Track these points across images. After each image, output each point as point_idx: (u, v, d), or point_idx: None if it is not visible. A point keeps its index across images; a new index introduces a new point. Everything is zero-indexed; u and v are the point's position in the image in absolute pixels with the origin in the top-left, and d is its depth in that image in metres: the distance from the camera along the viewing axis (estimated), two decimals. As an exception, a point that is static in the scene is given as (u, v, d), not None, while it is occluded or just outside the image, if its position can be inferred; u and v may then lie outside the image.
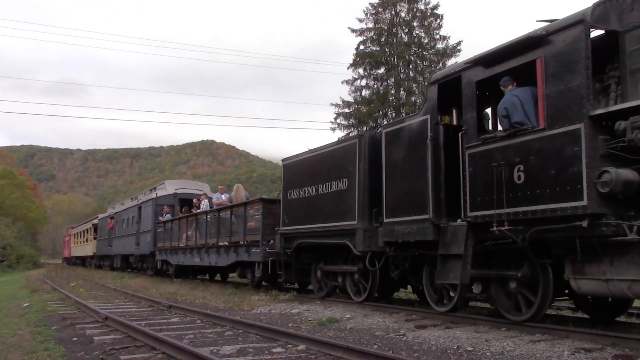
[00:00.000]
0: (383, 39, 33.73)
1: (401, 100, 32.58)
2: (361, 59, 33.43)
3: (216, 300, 11.55)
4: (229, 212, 14.51)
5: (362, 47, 33.93)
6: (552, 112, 6.13)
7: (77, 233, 42.89)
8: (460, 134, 7.37)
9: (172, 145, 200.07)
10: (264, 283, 13.56)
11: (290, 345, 6.06)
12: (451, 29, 63.52)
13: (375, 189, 8.97)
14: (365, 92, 33.35)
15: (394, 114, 31.81)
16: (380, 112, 32.37)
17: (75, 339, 6.91)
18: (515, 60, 6.69)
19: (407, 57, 32.92)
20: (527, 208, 6.29)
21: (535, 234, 6.28)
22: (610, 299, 7.15)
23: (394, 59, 33.47)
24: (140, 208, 23.70)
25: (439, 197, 7.63)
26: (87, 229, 37.81)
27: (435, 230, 7.60)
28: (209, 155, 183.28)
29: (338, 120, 32.77)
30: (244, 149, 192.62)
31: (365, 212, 9.12)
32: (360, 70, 33.51)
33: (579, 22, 5.98)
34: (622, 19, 6.10)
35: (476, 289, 7.47)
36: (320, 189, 10.26)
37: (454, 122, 8.05)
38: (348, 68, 33.98)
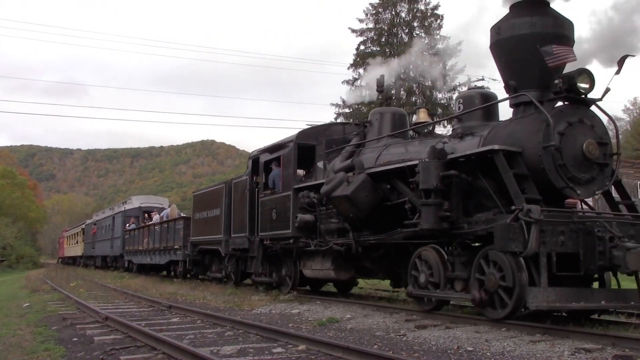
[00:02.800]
0: (383, 39, 33.73)
1: (402, 100, 32.56)
2: (361, 59, 33.42)
3: (216, 300, 11.58)
4: (167, 225, 19.69)
5: (362, 47, 33.93)
6: (284, 183, 11.48)
7: (69, 236, 46.63)
8: (257, 189, 12.75)
9: (172, 145, 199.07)
10: (188, 275, 18.57)
11: (291, 346, 6.06)
12: (452, 28, 63.36)
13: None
14: (365, 92, 33.29)
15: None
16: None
17: (75, 339, 6.90)
18: (277, 153, 11.96)
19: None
20: (276, 232, 11.54)
21: (283, 246, 11.35)
22: (340, 282, 12.04)
23: (394, 59, 33.44)
24: (114, 218, 28.65)
25: (252, 223, 12.68)
26: (77, 232, 41.94)
27: (248, 242, 12.75)
28: (209, 155, 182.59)
29: (339, 121, 32.78)
30: (244, 149, 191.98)
31: (227, 230, 14.03)
32: (361, 71, 33.48)
33: (291, 141, 11.50)
34: (317, 138, 11.35)
35: (274, 276, 12.36)
36: (209, 214, 15.52)
37: (263, 181, 12.69)
38: (348, 68, 34.00)
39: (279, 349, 5.92)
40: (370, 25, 34.04)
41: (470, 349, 5.73)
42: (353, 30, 34.02)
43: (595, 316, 7.37)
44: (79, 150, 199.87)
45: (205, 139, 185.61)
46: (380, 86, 10.66)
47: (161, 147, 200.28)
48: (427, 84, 32.57)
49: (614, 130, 8.52)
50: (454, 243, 7.55)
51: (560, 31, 7.25)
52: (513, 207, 6.47)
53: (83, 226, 38.96)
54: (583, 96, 7.11)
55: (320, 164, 10.87)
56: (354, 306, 9.35)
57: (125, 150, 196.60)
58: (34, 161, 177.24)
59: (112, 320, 7.96)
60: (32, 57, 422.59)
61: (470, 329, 6.68)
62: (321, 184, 9.89)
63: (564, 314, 7.47)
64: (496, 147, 6.95)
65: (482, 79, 8.44)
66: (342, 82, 33.71)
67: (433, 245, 7.76)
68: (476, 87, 8.47)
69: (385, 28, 33.87)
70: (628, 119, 57.76)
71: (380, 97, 10.84)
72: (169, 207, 22.11)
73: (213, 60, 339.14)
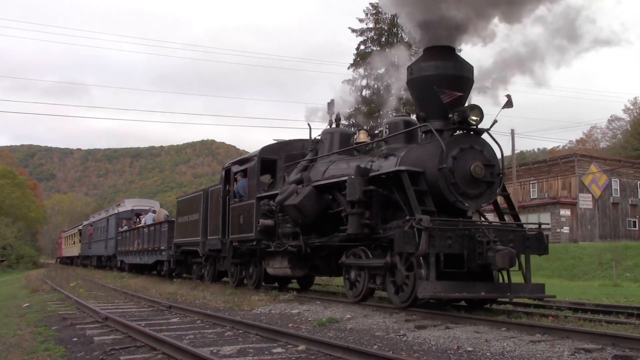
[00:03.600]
0: (383, 39, 33.84)
1: (402, 100, 32.48)
2: (362, 58, 33.53)
3: (216, 300, 11.67)
4: (154, 228, 21.43)
5: (362, 47, 34.03)
6: (249, 192, 13.24)
7: (67, 236, 49.13)
8: (228, 196, 14.46)
9: (172, 145, 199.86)
10: (173, 274, 20.28)
11: (291, 346, 6.14)
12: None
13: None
14: (365, 92, 33.36)
15: (394, 114, 31.81)
16: (381, 112, 32.38)
17: (75, 339, 7.01)
18: (245, 165, 13.87)
19: (407, 57, 32.87)
20: (242, 235, 13.19)
21: (248, 247, 13.06)
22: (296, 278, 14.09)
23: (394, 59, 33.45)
24: (108, 220, 30.62)
25: (224, 227, 14.38)
26: (74, 233, 44.45)
27: (221, 243, 14.48)
28: (209, 155, 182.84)
29: (342, 121, 32.70)
30: (244, 149, 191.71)
31: (204, 233, 15.85)
32: (361, 70, 33.66)
33: (256, 155, 13.25)
34: (279, 153, 13.07)
35: (242, 273, 14.19)
36: (189, 218, 17.29)
37: (233, 189, 14.32)
38: (349, 68, 34.41)
39: (279, 349, 5.98)
40: (371, 25, 34.39)
41: (470, 349, 5.80)
42: (353, 30, 34.45)
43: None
44: (79, 150, 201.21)
45: (205, 138, 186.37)
46: (331, 109, 12.66)
47: (161, 147, 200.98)
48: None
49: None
50: (372, 245, 9.22)
51: (460, 73, 8.86)
52: (407, 217, 8.18)
53: (80, 227, 41.27)
54: (474, 127, 8.72)
55: (280, 176, 12.70)
56: (353, 306, 9.45)
57: (125, 150, 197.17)
58: (34, 161, 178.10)
59: (112, 321, 8.07)
60: (34, 58, 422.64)
61: (470, 329, 6.77)
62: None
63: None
64: (402, 168, 8.68)
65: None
66: (343, 82, 33.87)
67: (362, 247, 9.45)
68: (401, 115, 10.73)
69: (385, 28, 34.16)
70: (628, 118, 57.75)
71: (331, 118, 12.66)
72: (154, 211, 24.52)
73: (213, 60, 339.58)
